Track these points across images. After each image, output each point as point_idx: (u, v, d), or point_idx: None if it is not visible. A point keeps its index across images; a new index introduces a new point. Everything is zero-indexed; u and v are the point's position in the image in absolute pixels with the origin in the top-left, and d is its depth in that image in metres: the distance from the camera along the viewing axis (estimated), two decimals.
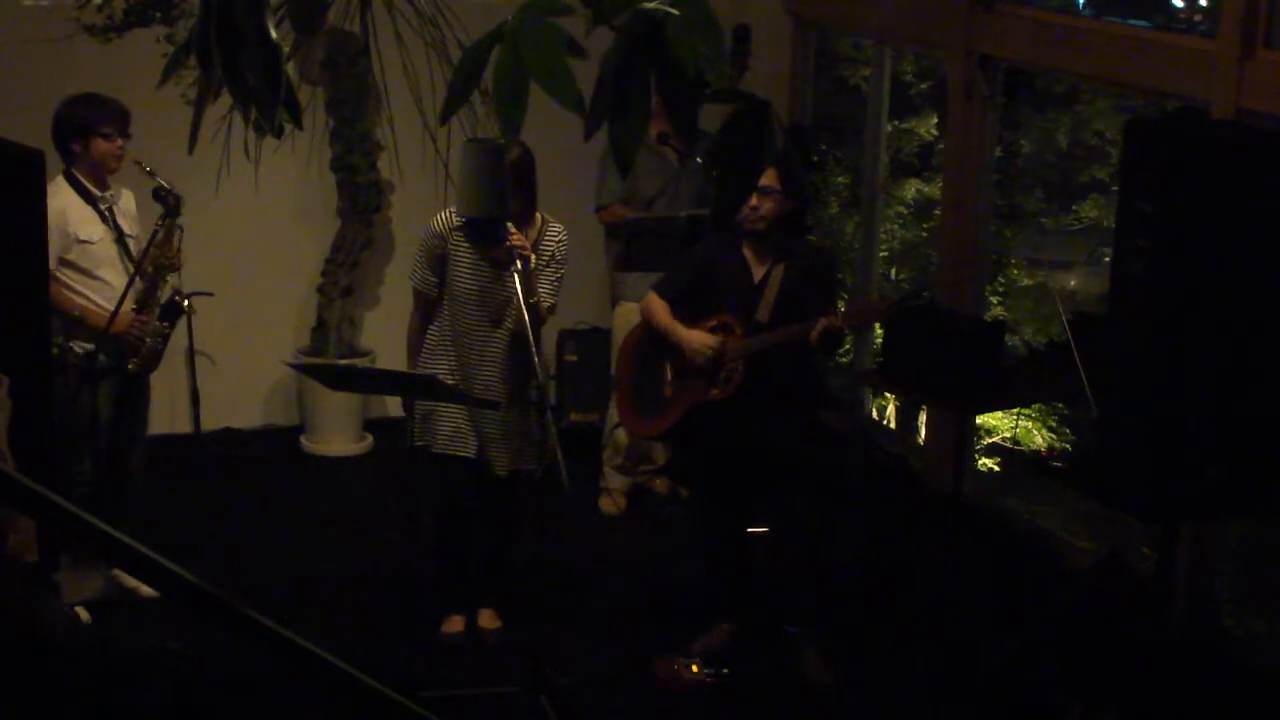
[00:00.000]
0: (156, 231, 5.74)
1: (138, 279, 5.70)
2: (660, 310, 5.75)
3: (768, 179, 5.52)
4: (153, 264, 5.73)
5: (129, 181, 5.88)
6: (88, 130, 5.67)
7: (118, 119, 5.71)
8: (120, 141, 5.70)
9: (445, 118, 2.34)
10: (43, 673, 4.15)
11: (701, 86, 2.17)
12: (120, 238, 5.76)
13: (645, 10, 2.12)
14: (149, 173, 5.70)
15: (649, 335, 5.85)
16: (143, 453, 6.01)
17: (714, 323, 5.66)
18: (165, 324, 5.82)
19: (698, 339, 5.65)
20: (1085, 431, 7.35)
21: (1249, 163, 4.17)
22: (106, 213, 5.73)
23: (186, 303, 5.82)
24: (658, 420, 5.86)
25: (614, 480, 7.06)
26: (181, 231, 5.76)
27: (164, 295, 5.83)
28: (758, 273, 5.63)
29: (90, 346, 5.61)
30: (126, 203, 5.86)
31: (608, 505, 7.03)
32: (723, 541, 5.83)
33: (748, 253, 5.64)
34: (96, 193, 5.71)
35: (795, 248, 5.69)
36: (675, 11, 2.14)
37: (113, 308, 5.58)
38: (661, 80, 2.14)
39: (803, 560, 5.74)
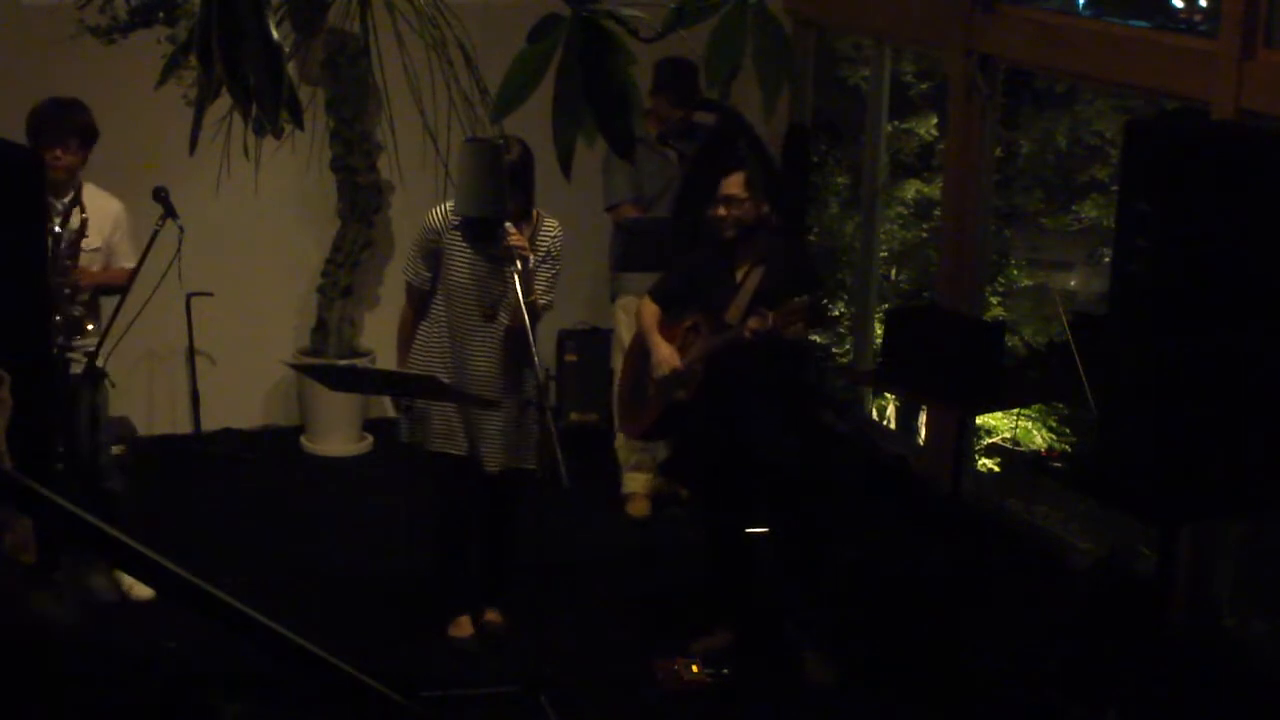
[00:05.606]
0: (153, 235, 5.73)
1: None
2: (649, 315, 5.76)
3: (734, 187, 5.53)
4: (54, 280, 5.60)
5: (129, 190, 5.84)
6: (32, 137, 5.61)
7: (67, 132, 5.62)
8: (59, 151, 5.59)
9: (497, 118, 2.30)
10: (40, 669, 4.15)
11: (628, 96, 2.10)
12: (56, 247, 5.63)
13: (589, 10, 2.09)
14: (74, 185, 5.67)
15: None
16: (109, 461, 5.97)
17: (688, 324, 5.68)
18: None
19: (662, 356, 5.65)
20: (1085, 431, 7.35)
21: (1249, 163, 4.17)
22: (57, 220, 5.63)
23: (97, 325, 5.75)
24: (640, 419, 5.89)
25: (634, 483, 7.04)
26: (112, 231, 5.67)
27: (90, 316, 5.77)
28: (740, 275, 5.64)
29: None
30: (96, 209, 5.77)
31: (633, 509, 7.00)
32: (722, 542, 5.83)
33: (731, 256, 5.65)
34: (49, 199, 5.57)
35: (775, 250, 5.67)
36: (640, 14, 2.12)
37: None
38: (588, 85, 2.08)
39: (803, 560, 5.74)
